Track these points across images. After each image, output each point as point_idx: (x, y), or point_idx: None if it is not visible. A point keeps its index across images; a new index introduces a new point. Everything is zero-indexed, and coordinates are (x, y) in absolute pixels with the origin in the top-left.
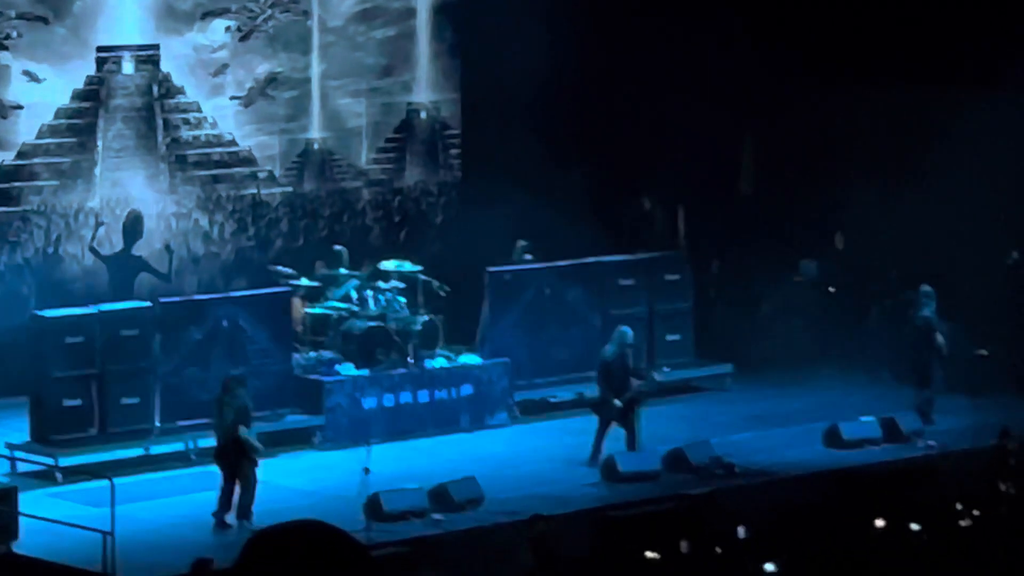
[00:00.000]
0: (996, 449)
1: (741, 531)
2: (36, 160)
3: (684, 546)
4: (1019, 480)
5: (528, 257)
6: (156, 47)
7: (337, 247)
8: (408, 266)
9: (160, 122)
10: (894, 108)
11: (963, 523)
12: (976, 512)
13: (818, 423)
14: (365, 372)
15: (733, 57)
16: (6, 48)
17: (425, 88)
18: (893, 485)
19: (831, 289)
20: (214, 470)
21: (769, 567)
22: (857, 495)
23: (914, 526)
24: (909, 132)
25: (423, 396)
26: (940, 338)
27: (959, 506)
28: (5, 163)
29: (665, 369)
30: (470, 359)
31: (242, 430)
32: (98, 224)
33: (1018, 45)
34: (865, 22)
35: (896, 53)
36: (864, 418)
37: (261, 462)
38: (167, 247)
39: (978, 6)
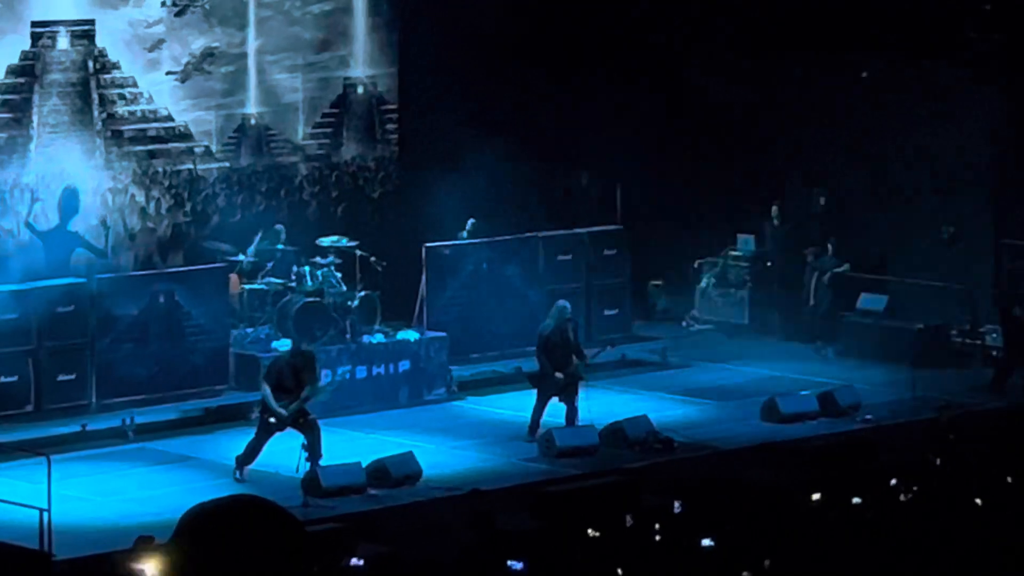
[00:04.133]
0: (933, 423)
1: (676, 506)
2: None
3: (628, 520)
4: (955, 454)
5: (463, 234)
6: (92, 22)
7: (278, 226)
8: (345, 242)
9: (96, 97)
10: (831, 81)
11: (902, 497)
12: (914, 487)
13: (756, 397)
14: None
15: (670, 29)
16: None
17: (362, 63)
18: (830, 459)
19: (768, 263)
20: (151, 446)
21: (706, 542)
22: (795, 469)
23: (855, 500)
24: (846, 105)
25: (361, 372)
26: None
27: (894, 481)
28: None
29: (610, 348)
30: (408, 334)
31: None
32: (34, 200)
33: (960, 17)
34: None
35: (833, 24)
36: (802, 392)
37: (197, 439)
38: (103, 223)
39: None
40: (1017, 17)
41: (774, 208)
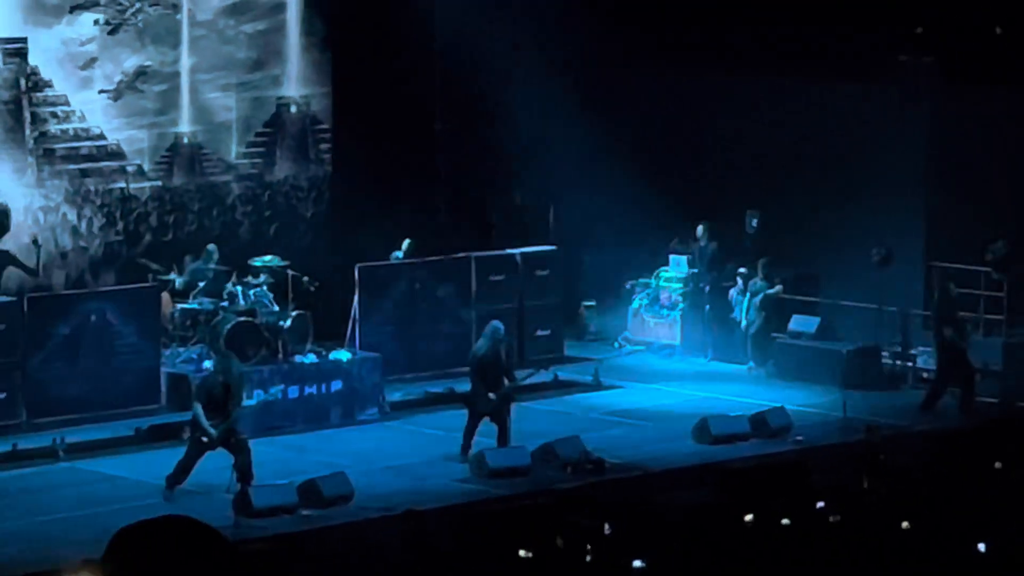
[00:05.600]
0: (863, 444)
1: (607, 527)
2: None
3: (559, 541)
4: (885, 475)
5: (398, 254)
6: (24, 40)
7: (210, 245)
8: (278, 261)
9: (28, 115)
10: (766, 103)
11: (831, 519)
12: (843, 509)
13: (687, 418)
14: None
15: (604, 49)
16: None
17: (295, 82)
18: (761, 480)
19: (702, 285)
20: (82, 466)
21: (637, 563)
22: (726, 490)
23: (785, 521)
24: (778, 125)
25: (293, 392)
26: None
27: (821, 504)
28: None
29: (543, 371)
30: (340, 355)
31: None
32: None
33: (891, 40)
34: (733, 13)
35: (768, 47)
36: (733, 413)
37: (128, 458)
38: (35, 241)
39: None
40: (947, 40)
41: (699, 228)
